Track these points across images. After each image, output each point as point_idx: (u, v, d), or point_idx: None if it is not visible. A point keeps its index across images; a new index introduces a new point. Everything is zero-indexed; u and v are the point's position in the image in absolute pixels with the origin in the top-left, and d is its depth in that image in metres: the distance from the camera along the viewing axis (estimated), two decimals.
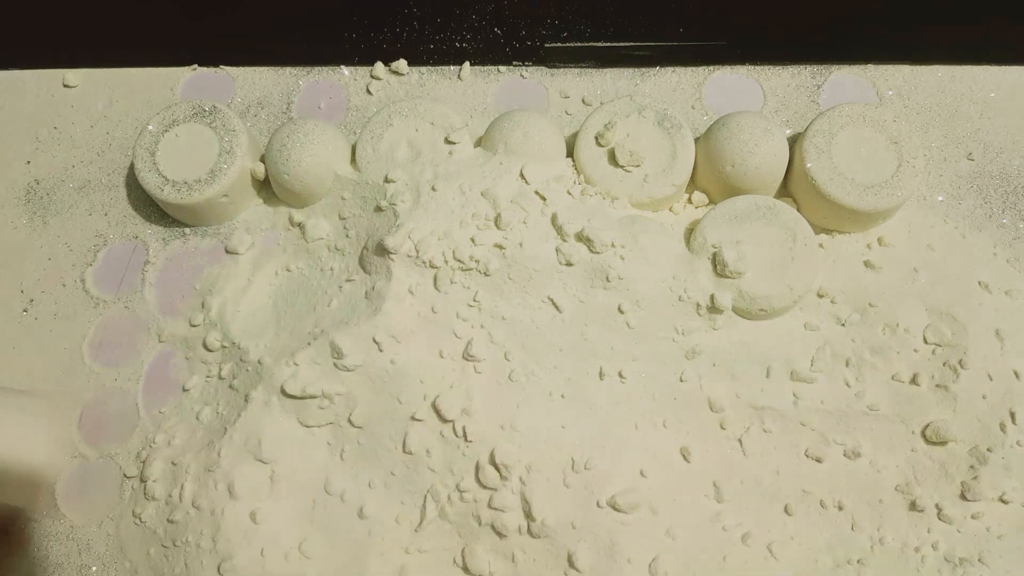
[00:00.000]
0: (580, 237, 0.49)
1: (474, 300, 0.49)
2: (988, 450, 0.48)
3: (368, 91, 0.61)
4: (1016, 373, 0.49)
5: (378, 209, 0.52)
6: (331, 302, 0.51)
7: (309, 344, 0.49)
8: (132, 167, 0.57)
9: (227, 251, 0.56)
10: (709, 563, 0.46)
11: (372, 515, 0.48)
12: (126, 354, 0.54)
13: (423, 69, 0.61)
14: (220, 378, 0.52)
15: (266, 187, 0.57)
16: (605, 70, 0.61)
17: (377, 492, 0.48)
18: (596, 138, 0.53)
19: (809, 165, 0.52)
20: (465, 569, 0.47)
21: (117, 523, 0.50)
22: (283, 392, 0.48)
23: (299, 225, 0.55)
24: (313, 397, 0.48)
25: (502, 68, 0.61)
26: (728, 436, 0.49)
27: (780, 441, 0.49)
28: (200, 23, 0.64)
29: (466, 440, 0.47)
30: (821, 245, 0.53)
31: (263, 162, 0.55)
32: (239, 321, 0.53)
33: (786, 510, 0.48)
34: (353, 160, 0.55)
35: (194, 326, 0.54)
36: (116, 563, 0.49)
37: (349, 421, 0.48)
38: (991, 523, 0.47)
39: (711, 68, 0.60)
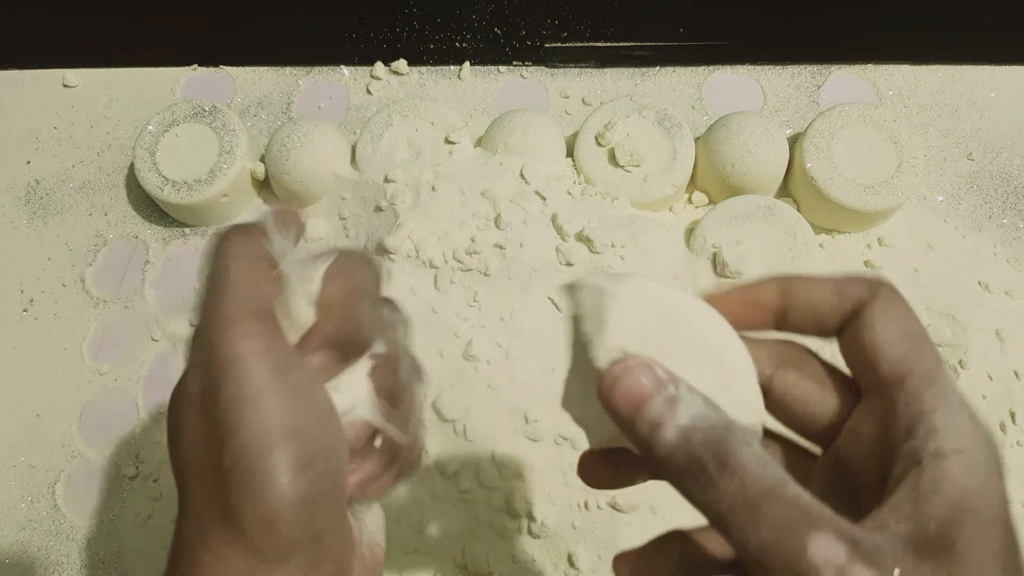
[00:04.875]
0: (580, 237, 0.49)
1: (474, 300, 0.49)
2: None
3: (368, 91, 0.61)
4: (1016, 373, 0.49)
5: (378, 209, 0.52)
6: None
7: None
8: (132, 167, 0.57)
9: None
10: None
11: None
12: (126, 354, 0.54)
13: (423, 69, 0.61)
14: None
15: (266, 187, 0.57)
16: (605, 70, 0.61)
17: None
18: (596, 138, 0.53)
19: (809, 165, 0.52)
20: (465, 569, 0.47)
21: (117, 523, 0.50)
22: None
23: None
24: None
25: (502, 68, 0.61)
26: None
27: None
28: (200, 23, 0.64)
29: (466, 440, 0.47)
30: (821, 245, 0.53)
31: (263, 162, 0.55)
32: None
33: None
34: (353, 160, 0.55)
35: (194, 326, 0.54)
36: (116, 563, 0.49)
37: None
38: None
39: (711, 68, 0.60)
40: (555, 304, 0.49)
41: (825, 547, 0.19)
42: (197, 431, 0.24)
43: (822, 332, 0.25)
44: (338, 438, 0.25)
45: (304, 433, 0.23)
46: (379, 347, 0.28)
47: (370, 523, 0.28)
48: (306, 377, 0.25)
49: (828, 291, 0.25)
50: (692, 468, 0.21)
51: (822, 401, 0.25)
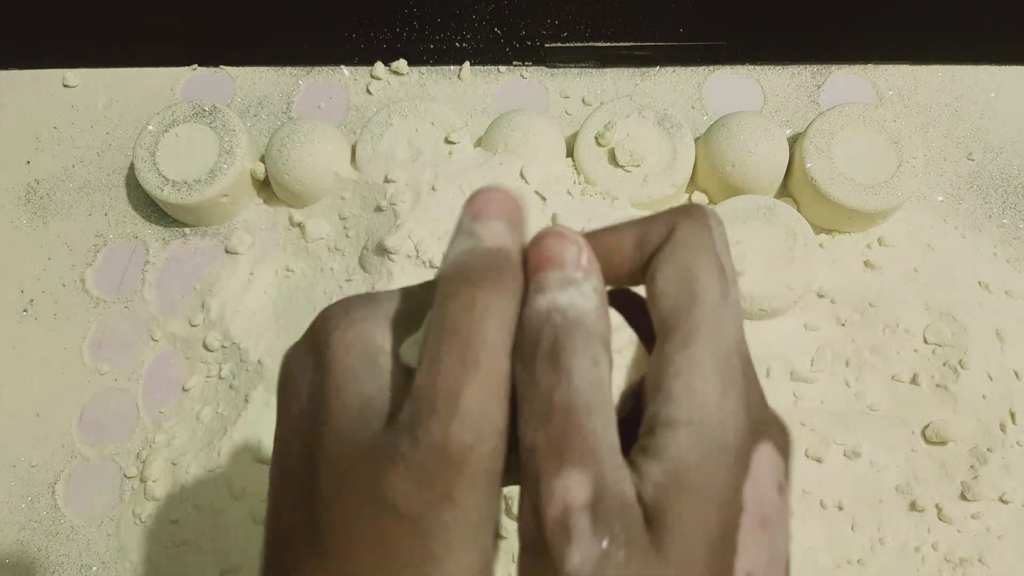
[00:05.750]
0: None
1: None
2: (988, 450, 0.48)
3: (368, 91, 0.61)
4: (1016, 373, 0.49)
5: (378, 209, 0.52)
6: (331, 302, 0.51)
7: None
8: (132, 167, 0.57)
9: (227, 251, 0.56)
10: None
11: None
12: (126, 354, 0.54)
13: (423, 69, 0.61)
14: (220, 378, 0.52)
15: (266, 187, 0.57)
16: (605, 70, 0.61)
17: None
18: (596, 138, 0.53)
19: (809, 165, 0.52)
20: None
21: (117, 523, 0.50)
22: None
23: (299, 225, 0.55)
24: None
25: (502, 68, 0.61)
26: None
27: None
28: (200, 23, 0.64)
29: None
30: (821, 245, 0.53)
31: (263, 162, 0.55)
32: (239, 321, 0.53)
33: None
34: (353, 160, 0.55)
35: (194, 326, 0.54)
36: (116, 563, 0.49)
37: None
38: (991, 523, 0.47)
39: (711, 68, 0.60)
40: None
41: (573, 483, 0.19)
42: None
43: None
44: None
45: None
46: None
47: None
48: None
49: (628, 247, 0.23)
50: (529, 342, 0.20)
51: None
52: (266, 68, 0.62)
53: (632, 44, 0.61)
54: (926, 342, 0.50)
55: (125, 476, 0.51)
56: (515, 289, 0.21)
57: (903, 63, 0.60)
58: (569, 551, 0.18)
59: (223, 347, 0.52)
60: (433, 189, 0.51)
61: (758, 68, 0.60)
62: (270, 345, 0.51)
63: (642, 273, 0.23)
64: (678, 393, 0.20)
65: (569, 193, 0.52)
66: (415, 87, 0.61)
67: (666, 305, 0.21)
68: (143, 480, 0.50)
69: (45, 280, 0.56)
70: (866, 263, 0.53)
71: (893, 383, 0.50)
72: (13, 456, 0.52)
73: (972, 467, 0.48)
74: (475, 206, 0.22)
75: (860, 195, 0.52)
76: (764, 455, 0.21)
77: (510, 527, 0.46)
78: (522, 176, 0.51)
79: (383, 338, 0.23)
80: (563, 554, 0.18)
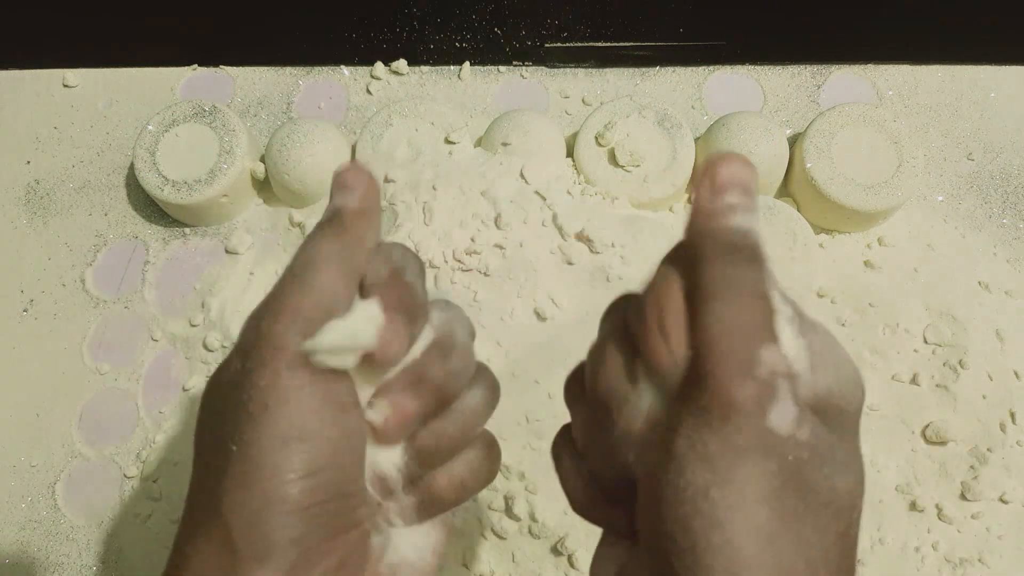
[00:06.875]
0: (580, 237, 0.49)
1: (474, 300, 0.49)
2: (988, 450, 0.48)
3: (368, 91, 0.61)
4: (1016, 373, 0.49)
5: None
6: None
7: None
8: (132, 167, 0.57)
9: (227, 251, 0.56)
10: None
11: None
12: (126, 354, 0.54)
13: (423, 69, 0.61)
14: None
15: (266, 187, 0.57)
16: (605, 70, 0.61)
17: None
18: (596, 138, 0.53)
19: (809, 165, 0.52)
20: (465, 568, 0.47)
21: (117, 523, 0.50)
22: None
23: (299, 225, 0.55)
24: None
25: (502, 68, 0.61)
26: None
27: None
28: (200, 23, 0.64)
29: None
30: (821, 245, 0.53)
31: (263, 162, 0.55)
32: (239, 321, 0.53)
33: None
34: (353, 160, 0.55)
35: (194, 326, 0.54)
36: (116, 563, 0.49)
37: None
38: (991, 523, 0.47)
39: (711, 68, 0.60)
40: (556, 304, 0.49)
41: (774, 354, 0.22)
42: (220, 415, 0.24)
43: None
44: (359, 458, 0.25)
45: (322, 443, 0.23)
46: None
47: (406, 546, 0.27)
48: (343, 391, 0.25)
49: None
50: (737, 247, 0.24)
51: None
52: (266, 68, 0.62)
53: (632, 44, 0.61)
54: (926, 342, 0.50)
55: (125, 476, 0.51)
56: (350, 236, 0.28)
57: (903, 63, 0.60)
58: (773, 408, 0.22)
59: (223, 347, 0.52)
60: (433, 189, 0.51)
61: (758, 68, 0.60)
62: None
63: None
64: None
65: (569, 193, 0.52)
66: (415, 87, 0.61)
67: None
68: (143, 480, 0.50)
69: (45, 280, 0.56)
70: (866, 263, 0.53)
71: (893, 383, 0.50)
72: (13, 456, 0.52)
73: (972, 467, 0.48)
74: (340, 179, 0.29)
75: (860, 195, 0.52)
76: None
77: (510, 528, 0.46)
78: (522, 176, 0.51)
79: None
80: (767, 411, 0.22)
